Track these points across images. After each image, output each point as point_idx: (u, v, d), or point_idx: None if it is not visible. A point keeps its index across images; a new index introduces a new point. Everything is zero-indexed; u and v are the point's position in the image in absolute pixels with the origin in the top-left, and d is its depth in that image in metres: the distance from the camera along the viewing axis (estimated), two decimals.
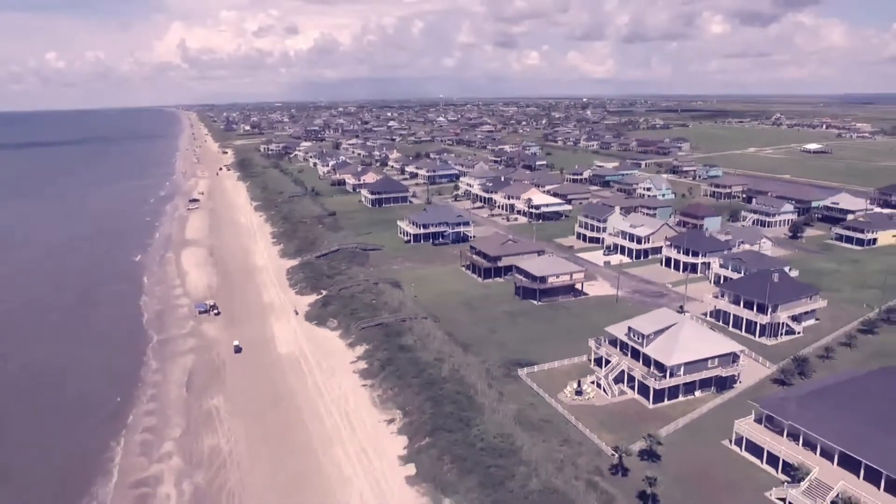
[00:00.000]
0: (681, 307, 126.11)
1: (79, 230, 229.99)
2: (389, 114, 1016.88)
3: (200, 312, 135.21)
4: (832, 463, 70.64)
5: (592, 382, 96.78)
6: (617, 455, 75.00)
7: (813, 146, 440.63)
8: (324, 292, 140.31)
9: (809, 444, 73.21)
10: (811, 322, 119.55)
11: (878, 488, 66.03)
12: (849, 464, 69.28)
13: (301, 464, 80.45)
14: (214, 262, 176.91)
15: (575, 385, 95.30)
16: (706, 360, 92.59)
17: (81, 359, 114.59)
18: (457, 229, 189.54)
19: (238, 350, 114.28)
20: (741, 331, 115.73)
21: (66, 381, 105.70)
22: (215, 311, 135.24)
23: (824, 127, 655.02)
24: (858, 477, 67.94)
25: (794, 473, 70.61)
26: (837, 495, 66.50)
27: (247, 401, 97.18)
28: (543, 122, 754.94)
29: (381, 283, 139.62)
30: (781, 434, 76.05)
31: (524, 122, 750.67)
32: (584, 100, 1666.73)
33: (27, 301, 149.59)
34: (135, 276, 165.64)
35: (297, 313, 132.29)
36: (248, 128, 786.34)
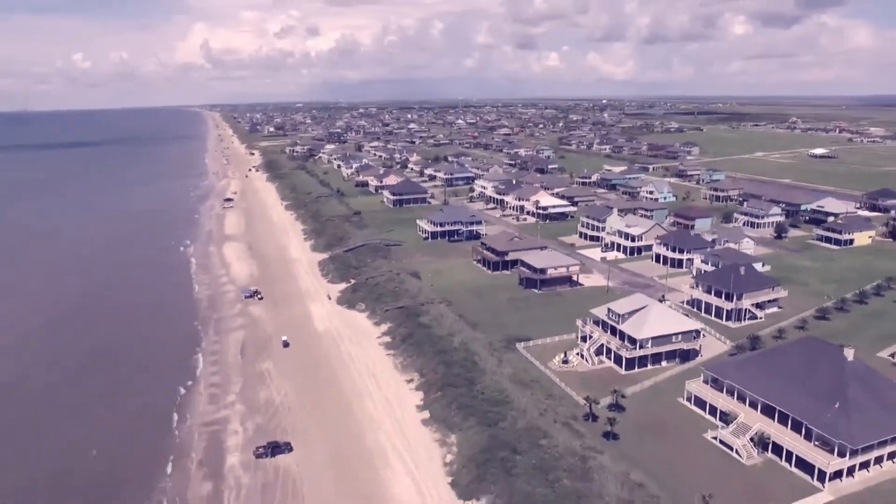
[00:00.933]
0: (662, 296, 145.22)
1: (132, 227, 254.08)
2: (409, 115, 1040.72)
3: (246, 297, 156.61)
4: (756, 410, 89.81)
5: (577, 354, 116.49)
6: (587, 404, 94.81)
7: (819, 151, 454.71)
8: (352, 281, 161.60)
9: (741, 398, 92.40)
10: (774, 309, 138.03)
11: (787, 427, 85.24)
12: (767, 411, 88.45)
13: (338, 411, 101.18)
14: (253, 255, 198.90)
15: (562, 356, 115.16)
16: (671, 335, 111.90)
17: (155, 332, 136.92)
18: (470, 228, 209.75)
19: (286, 345, 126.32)
20: (711, 316, 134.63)
21: (146, 349, 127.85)
22: (259, 296, 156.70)
23: (837, 131, 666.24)
24: (773, 420, 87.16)
25: (725, 419, 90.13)
26: (755, 433, 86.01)
27: (292, 366, 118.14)
28: (560, 124, 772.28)
29: (403, 274, 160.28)
30: (721, 391, 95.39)
31: (541, 125, 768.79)
32: (604, 101, 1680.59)
33: (99, 288, 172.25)
34: (187, 266, 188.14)
35: (329, 298, 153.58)
36: (272, 129, 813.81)
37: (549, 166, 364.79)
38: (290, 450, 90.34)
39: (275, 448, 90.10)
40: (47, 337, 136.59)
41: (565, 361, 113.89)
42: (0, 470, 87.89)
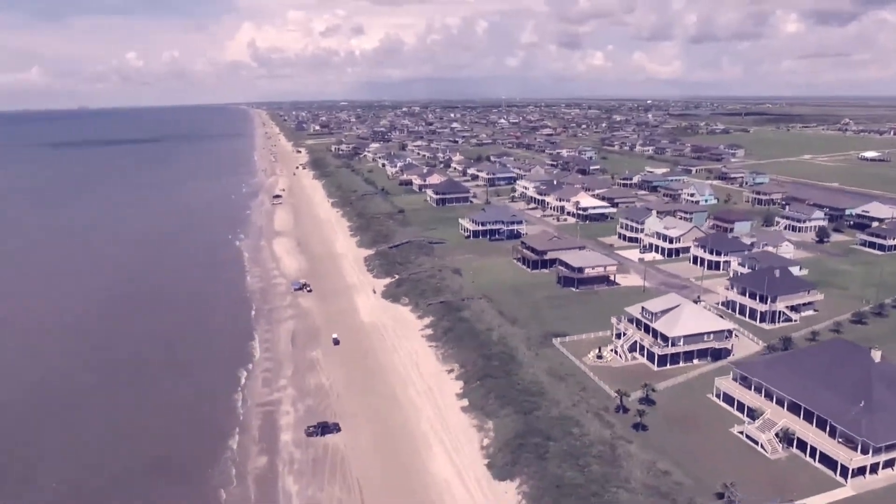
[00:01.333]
0: (698, 297, 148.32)
1: (191, 221, 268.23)
2: (453, 115, 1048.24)
3: (296, 289, 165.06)
4: (783, 408, 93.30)
5: (611, 350, 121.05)
6: (618, 396, 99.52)
7: (870, 154, 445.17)
8: (396, 276, 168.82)
9: (768, 395, 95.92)
10: (809, 312, 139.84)
11: (812, 424, 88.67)
12: (794, 408, 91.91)
13: (383, 397, 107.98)
14: (302, 250, 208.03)
15: (597, 351, 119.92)
16: (703, 334, 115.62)
17: (216, 320, 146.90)
18: (511, 227, 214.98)
19: (336, 342, 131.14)
20: (746, 317, 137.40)
21: (208, 335, 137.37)
22: (308, 289, 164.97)
23: (892, 133, 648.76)
24: (799, 417, 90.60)
25: (752, 415, 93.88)
26: (780, 429, 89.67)
27: (340, 355, 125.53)
28: (603, 125, 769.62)
29: (445, 270, 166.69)
30: (750, 388, 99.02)
31: (584, 126, 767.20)
32: (648, 102, 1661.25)
33: (164, 278, 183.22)
34: (241, 260, 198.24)
35: (375, 292, 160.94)
36: (317, 127, 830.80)
37: (591, 167, 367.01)
38: (339, 430, 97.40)
39: (324, 428, 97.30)
40: (114, 324, 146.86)
41: (599, 357, 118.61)
42: (83, 440, 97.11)
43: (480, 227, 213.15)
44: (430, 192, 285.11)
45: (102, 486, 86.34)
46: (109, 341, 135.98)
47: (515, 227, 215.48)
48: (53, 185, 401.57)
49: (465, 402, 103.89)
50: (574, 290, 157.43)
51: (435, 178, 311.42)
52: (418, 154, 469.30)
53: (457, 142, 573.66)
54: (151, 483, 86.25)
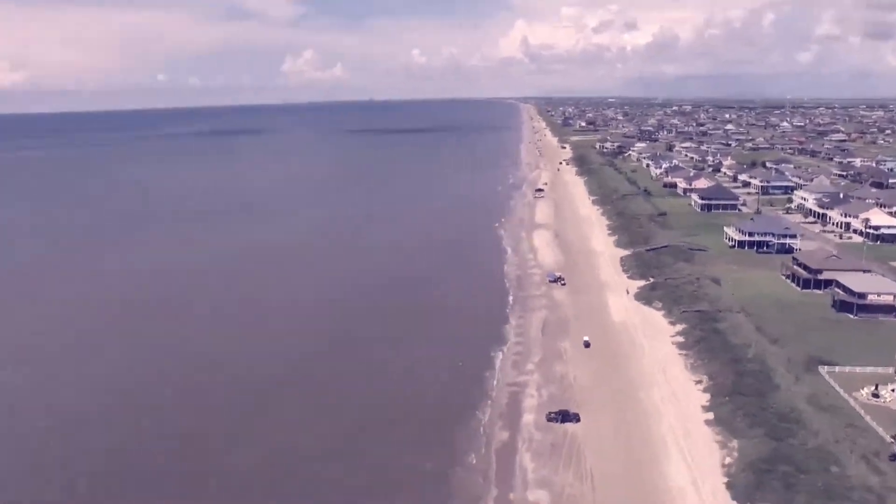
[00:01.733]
0: None
1: (459, 208, 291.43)
2: (727, 115, 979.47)
3: (550, 281, 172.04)
4: None
5: (892, 390, 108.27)
6: (895, 443, 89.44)
7: None
8: (652, 279, 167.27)
9: None
10: None
11: None
12: None
13: (625, 396, 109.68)
14: (559, 244, 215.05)
15: (872, 388, 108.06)
16: None
17: (478, 300, 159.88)
18: (782, 240, 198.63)
19: (587, 345, 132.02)
20: None
21: (466, 315, 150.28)
22: (562, 282, 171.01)
23: None
24: None
25: None
26: None
27: (587, 349, 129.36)
28: None
29: (703, 279, 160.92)
30: None
31: (888, 131, 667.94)
32: None
33: (433, 259, 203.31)
34: (500, 248, 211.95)
35: (628, 292, 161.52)
36: (583, 124, 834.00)
37: (891, 180, 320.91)
38: (578, 420, 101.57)
39: (564, 416, 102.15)
40: (392, 296, 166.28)
41: (875, 395, 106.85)
42: (364, 390, 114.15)
43: (747, 238, 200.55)
44: (695, 196, 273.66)
45: (374, 431, 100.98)
46: (389, 311, 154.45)
47: (788, 240, 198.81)
48: (346, 169, 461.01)
49: (710, 416, 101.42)
50: (852, 316, 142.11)
51: (701, 182, 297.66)
52: (686, 156, 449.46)
53: (729, 145, 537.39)
54: (414, 436, 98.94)
